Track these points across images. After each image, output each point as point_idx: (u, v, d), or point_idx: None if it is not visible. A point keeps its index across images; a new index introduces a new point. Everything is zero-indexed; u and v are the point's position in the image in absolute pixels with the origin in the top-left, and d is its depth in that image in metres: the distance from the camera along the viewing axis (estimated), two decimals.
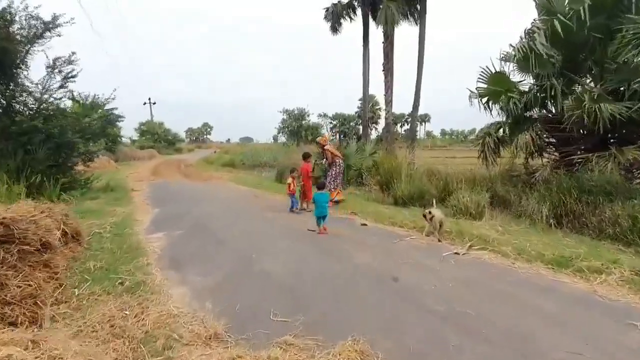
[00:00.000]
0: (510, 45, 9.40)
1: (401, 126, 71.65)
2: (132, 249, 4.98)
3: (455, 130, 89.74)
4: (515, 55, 9.11)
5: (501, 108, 9.59)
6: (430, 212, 5.42)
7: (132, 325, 2.81)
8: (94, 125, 12.61)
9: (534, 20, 8.94)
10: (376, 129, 44.17)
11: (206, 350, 2.54)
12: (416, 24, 17.11)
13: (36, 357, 2.04)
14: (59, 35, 9.27)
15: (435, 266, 4.28)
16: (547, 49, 8.13)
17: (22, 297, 2.91)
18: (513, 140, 9.19)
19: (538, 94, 8.76)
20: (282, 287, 3.71)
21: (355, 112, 45.76)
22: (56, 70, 9.83)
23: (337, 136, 43.56)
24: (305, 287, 3.68)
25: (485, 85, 9.72)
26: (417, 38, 16.52)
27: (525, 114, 9.25)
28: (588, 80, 9.00)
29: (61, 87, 10.06)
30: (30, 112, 9.65)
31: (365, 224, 6.63)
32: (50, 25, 9.04)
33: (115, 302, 3.24)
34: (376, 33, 18.18)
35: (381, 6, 15.84)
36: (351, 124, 45.44)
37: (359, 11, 18.61)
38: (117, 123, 27.36)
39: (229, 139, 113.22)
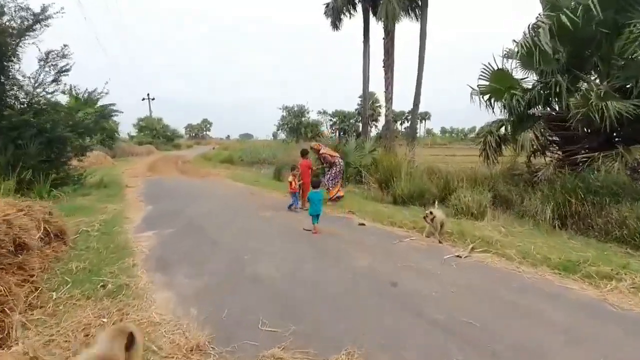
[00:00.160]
0: (514, 41, 9.16)
1: (401, 124, 71.26)
2: (119, 249, 4.76)
3: (456, 128, 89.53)
4: (518, 52, 8.86)
5: (503, 106, 9.37)
6: (431, 213, 5.20)
7: None
8: (88, 120, 12.41)
9: (539, 15, 8.68)
10: (376, 126, 43.91)
11: None
12: (417, 19, 16.84)
13: None
14: (48, 26, 8.99)
15: (436, 270, 4.06)
16: (552, 44, 7.88)
17: None
18: (515, 139, 8.99)
19: (542, 91, 8.53)
20: (273, 292, 3.49)
21: (355, 110, 45.41)
22: (49, 64, 9.61)
23: (337, 133, 43.27)
24: (298, 293, 3.45)
25: (487, 83, 9.50)
26: (417, 35, 16.26)
27: (529, 111, 9.03)
28: (593, 77, 8.78)
29: (54, 81, 9.84)
30: (22, 106, 9.40)
31: (363, 224, 6.41)
32: (41, 17, 8.79)
33: (93, 308, 3.03)
34: (376, 30, 17.97)
35: (381, 1, 15.56)
36: (351, 121, 45.10)
37: (359, 7, 18.33)
38: (115, 119, 27.37)
39: (228, 136, 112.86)
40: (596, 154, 7.27)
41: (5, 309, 2.70)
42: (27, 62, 9.55)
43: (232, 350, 2.49)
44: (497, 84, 9.30)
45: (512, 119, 9.33)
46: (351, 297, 3.38)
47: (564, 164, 8.17)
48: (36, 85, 9.55)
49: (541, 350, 2.52)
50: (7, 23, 8.75)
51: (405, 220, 6.34)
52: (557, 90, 7.99)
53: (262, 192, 10.42)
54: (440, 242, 5.13)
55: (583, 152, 8.55)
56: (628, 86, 7.64)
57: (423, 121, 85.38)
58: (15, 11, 8.75)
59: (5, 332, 2.57)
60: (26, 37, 9.13)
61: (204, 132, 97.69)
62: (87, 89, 19.80)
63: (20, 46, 9.13)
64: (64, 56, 9.76)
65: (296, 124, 38.79)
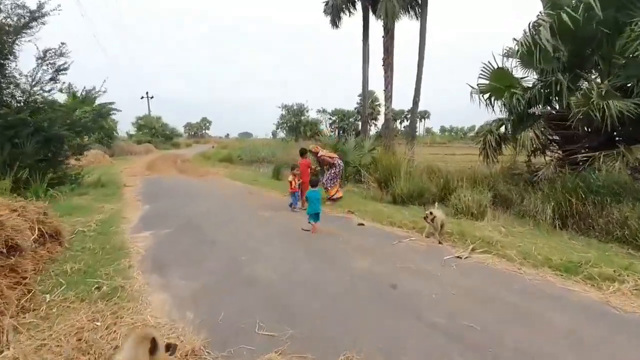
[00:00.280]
0: (514, 39, 9.11)
1: (400, 122, 71.13)
2: (115, 250, 4.69)
3: (455, 127, 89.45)
4: (518, 50, 8.82)
5: (503, 104, 9.33)
6: (431, 213, 5.14)
7: (102, 338, 2.55)
8: (85, 119, 12.32)
9: (540, 13, 8.62)
10: (375, 125, 43.80)
11: None
12: (417, 17, 16.77)
13: None
14: (44, 24, 8.91)
15: (436, 271, 4.00)
16: (553, 43, 7.82)
17: None
18: (515, 138, 8.95)
19: (542, 90, 8.47)
20: (271, 294, 3.43)
21: (355, 108, 45.32)
22: (47, 62, 9.53)
23: (336, 132, 43.18)
24: (296, 296, 3.39)
25: (487, 82, 9.46)
26: (416, 34, 16.20)
27: (529, 110, 8.98)
28: (594, 76, 8.73)
29: (52, 79, 9.76)
30: (19, 104, 9.32)
31: (362, 224, 6.35)
32: (37, 14, 8.70)
33: (87, 311, 2.97)
34: (376, 29, 17.90)
35: None
36: (350, 119, 45.03)
37: (358, 5, 18.25)
38: (113, 117, 27.25)
39: (227, 134, 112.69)
40: (597, 153, 7.22)
41: None
42: (25, 60, 9.44)
43: (228, 355, 2.43)
44: (497, 83, 9.25)
45: (512, 118, 9.28)
46: (350, 299, 3.32)
47: (564, 164, 8.12)
48: (33, 83, 9.47)
49: (543, 355, 2.47)
50: (4, 20, 8.67)
51: (404, 220, 6.29)
52: (558, 89, 7.94)
53: (261, 191, 10.36)
54: (440, 242, 5.08)
55: (583, 151, 8.52)
56: (629, 85, 7.60)
57: (422, 120, 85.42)
58: (11, 8, 8.67)
59: None
60: (23, 35, 9.05)
61: (203, 131, 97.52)
62: (84, 87, 19.71)
63: (17, 44, 9.05)
64: (62, 54, 9.68)
65: (295, 122, 38.73)
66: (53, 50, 9.55)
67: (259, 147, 25.28)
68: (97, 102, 21.00)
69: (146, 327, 2.04)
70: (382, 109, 22.04)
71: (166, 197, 9.26)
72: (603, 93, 7.06)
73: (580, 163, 8.06)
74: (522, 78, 9.42)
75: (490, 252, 4.58)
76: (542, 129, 8.39)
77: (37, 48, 9.39)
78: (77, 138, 10.86)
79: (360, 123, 38.28)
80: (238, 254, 4.63)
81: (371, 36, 18.04)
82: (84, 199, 8.37)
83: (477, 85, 9.55)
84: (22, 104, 9.33)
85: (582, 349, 2.56)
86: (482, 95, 9.60)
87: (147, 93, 45.69)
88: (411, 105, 17.54)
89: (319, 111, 42.81)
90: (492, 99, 9.59)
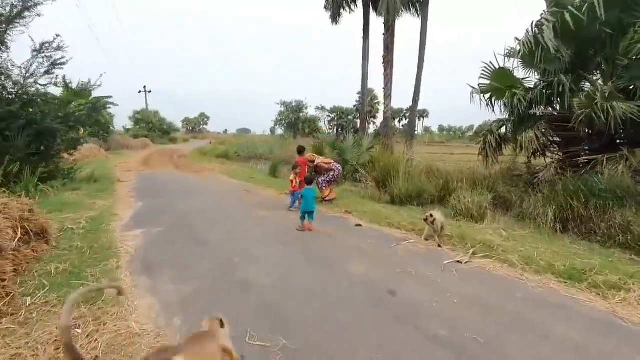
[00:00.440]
0: (516, 39, 8.98)
1: (399, 121, 70.99)
2: (103, 249, 4.52)
3: (454, 126, 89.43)
4: (520, 51, 8.70)
5: (504, 105, 9.21)
6: (431, 215, 5.00)
7: (82, 347, 2.39)
8: (81, 112, 12.10)
9: (543, 12, 8.48)
10: (374, 123, 43.60)
11: None
12: (418, 14, 16.61)
13: None
14: (38, 15, 8.68)
15: (436, 277, 3.86)
16: (556, 43, 7.68)
17: None
18: (516, 139, 8.83)
19: (544, 90, 8.34)
20: (263, 301, 3.27)
21: (354, 106, 45.12)
22: (42, 55, 9.31)
23: (335, 129, 43.00)
24: (290, 302, 3.24)
25: (488, 82, 9.33)
26: (416, 33, 16.06)
27: (530, 111, 8.85)
28: (596, 78, 8.61)
29: (47, 72, 9.54)
30: (10, 96, 9.10)
31: (360, 225, 6.21)
32: (30, 3, 8.47)
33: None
34: (376, 27, 17.74)
35: None
36: (349, 117, 44.84)
37: (359, 2, 18.05)
38: (110, 111, 26.98)
39: (226, 130, 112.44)
40: (600, 156, 7.10)
41: None
42: (21, 52, 9.24)
43: None
44: (499, 83, 9.13)
45: (512, 118, 9.16)
46: (346, 306, 3.17)
47: (564, 166, 8.01)
48: (27, 75, 9.25)
49: None
50: None
51: (403, 221, 6.14)
52: (560, 90, 7.82)
53: (257, 189, 10.19)
54: (439, 245, 4.94)
55: (583, 154, 8.41)
56: (631, 87, 7.49)
57: (421, 119, 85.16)
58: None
59: None
60: (15, 25, 8.84)
61: (201, 126, 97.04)
62: (80, 80, 19.49)
63: (9, 34, 8.83)
64: (59, 48, 9.46)
65: (294, 119, 38.54)
66: (49, 43, 9.34)
67: (257, 144, 25.11)
68: (94, 95, 20.84)
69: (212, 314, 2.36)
70: (381, 107, 21.89)
71: (160, 194, 9.08)
72: (607, 95, 6.94)
73: (581, 165, 7.96)
74: (523, 78, 9.30)
75: (492, 257, 4.44)
76: (543, 130, 8.26)
77: (33, 40, 9.21)
78: (71, 132, 10.65)
79: (358, 121, 38.08)
80: (231, 255, 4.47)
81: (371, 34, 17.90)
82: (75, 195, 8.18)
83: (478, 85, 9.42)
84: (13, 96, 9.11)
85: None
86: (483, 96, 9.48)
87: (144, 87, 45.36)
88: (410, 104, 17.42)
89: (317, 108, 42.63)
90: (493, 99, 9.47)
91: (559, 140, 9.08)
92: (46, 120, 9.09)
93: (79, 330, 2.59)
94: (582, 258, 4.39)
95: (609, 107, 6.67)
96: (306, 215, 5.88)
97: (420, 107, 17.61)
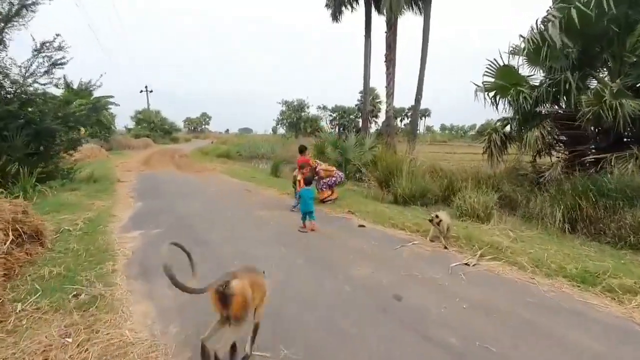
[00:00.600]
0: (520, 36, 8.82)
1: (401, 120, 70.72)
2: (99, 251, 4.40)
3: (455, 125, 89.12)
4: (525, 48, 8.54)
5: (509, 103, 9.05)
6: (437, 216, 4.85)
7: (71, 358, 2.26)
8: (81, 112, 12.01)
9: (550, 8, 8.31)
10: (376, 122, 43.38)
11: None
12: (420, 12, 16.45)
13: None
14: (34, 12, 8.59)
15: (443, 281, 3.71)
16: (563, 39, 7.52)
17: None
18: (521, 137, 8.68)
19: (550, 88, 8.18)
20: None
21: (355, 105, 44.92)
22: (42, 55, 9.21)
23: (336, 129, 42.83)
24: (291, 308, 3.09)
25: (493, 79, 9.19)
26: (418, 31, 15.93)
27: (535, 109, 8.69)
28: (602, 75, 8.45)
29: (47, 72, 9.44)
30: (8, 96, 9.00)
31: (363, 226, 6.06)
32: (27, 2, 8.36)
33: (60, 323, 2.69)
34: (378, 26, 17.61)
35: None
36: (350, 116, 44.64)
37: (361, 0, 17.91)
38: (112, 111, 26.95)
39: (227, 130, 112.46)
40: (608, 155, 6.95)
41: None
42: (24, 53, 9.17)
43: None
44: (503, 81, 8.98)
45: (517, 117, 9.00)
46: (350, 313, 3.03)
47: (570, 165, 7.86)
48: (27, 75, 9.15)
49: None
50: None
51: (407, 222, 6.00)
52: (567, 87, 7.66)
53: (258, 189, 10.05)
54: (445, 247, 4.79)
55: (589, 153, 8.25)
56: (638, 85, 7.34)
57: (423, 118, 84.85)
58: None
59: None
60: (14, 24, 8.74)
61: (203, 126, 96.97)
62: (81, 80, 19.43)
63: (7, 32, 8.73)
64: (59, 48, 9.36)
65: (296, 119, 38.42)
66: (50, 43, 9.24)
67: (259, 143, 25.02)
68: (95, 95, 20.78)
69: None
70: (383, 106, 21.71)
71: (160, 194, 8.97)
72: (615, 92, 6.78)
73: (587, 164, 7.80)
74: (528, 76, 9.14)
75: (500, 259, 4.29)
76: (549, 129, 8.10)
77: (34, 39, 9.12)
78: (70, 132, 10.54)
79: (360, 120, 37.91)
80: (231, 257, 4.33)
81: (373, 33, 17.76)
82: (74, 195, 8.07)
83: (482, 83, 9.27)
84: (12, 95, 9.01)
85: None
86: (487, 94, 9.32)
87: (146, 87, 45.14)
88: (413, 103, 17.26)
89: (319, 108, 42.44)
90: (497, 98, 9.31)
91: (564, 139, 8.93)
92: (45, 120, 8.99)
93: (69, 340, 2.45)
94: (594, 260, 4.24)
95: (618, 105, 6.51)
96: (307, 216, 5.76)
97: (421, 106, 17.42)
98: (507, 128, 9.63)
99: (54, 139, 9.68)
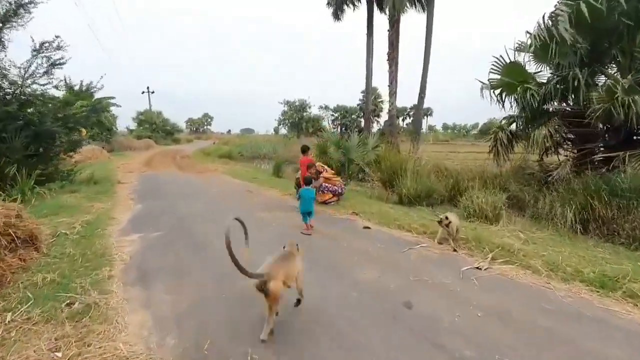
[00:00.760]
0: (527, 32, 8.64)
1: (403, 120, 70.35)
2: (96, 256, 4.25)
3: (458, 124, 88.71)
4: (531, 45, 8.36)
5: (515, 100, 8.85)
6: (447, 218, 4.67)
7: None
8: (83, 112, 11.91)
9: (558, 2, 8.11)
10: (378, 122, 43.12)
11: None
12: (424, 9, 16.26)
13: None
14: (30, 12, 8.48)
15: (455, 286, 3.53)
16: (572, 35, 7.32)
17: None
18: (528, 135, 8.49)
19: (558, 85, 7.98)
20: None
21: (357, 105, 44.65)
22: (42, 55, 9.10)
23: (338, 128, 42.60)
24: (295, 317, 2.91)
25: (499, 77, 8.99)
26: (420, 29, 15.74)
27: (543, 107, 8.50)
28: (611, 71, 8.24)
29: (46, 72, 9.32)
30: (7, 96, 8.88)
31: (368, 227, 5.89)
32: (24, 1, 8.23)
33: (51, 335, 2.53)
34: (379, 24, 17.41)
35: None
36: (352, 116, 44.38)
37: None
38: (114, 112, 26.89)
39: (229, 130, 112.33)
40: (621, 153, 6.75)
41: None
42: (23, 54, 9.06)
43: None
44: (510, 78, 8.79)
45: (524, 114, 8.81)
46: (358, 322, 2.85)
47: (579, 163, 7.68)
48: (26, 76, 9.03)
49: None
50: None
51: (413, 223, 5.81)
52: (575, 84, 7.46)
53: (260, 189, 9.88)
54: (455, 250, 4.62)
55: (597, 151, 8.07)
56: None
57: (425, 117, 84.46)
58: None
59: None
60: (12, 24, 8.62)
61: (205, 127, 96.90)
62: (82, 81, 19.37)
63: (5, 33, 8.61)
64: (59, 48, 9.25)
65: (297, 119, 38.21)
66: (49, 43, 9.12)
67: (260, 144, 24.87)
68: (96, 96, 20.71)
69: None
70: (385, 106, 21.54)
71: (161, 195, 8.82)
72: (627, 88, 6.58)
73: (596, 163, 7.61)
74: (535, 73, 8.94)
75: (513, 263, 4.11)
76: (557, 127, 7.91)
77: (33, 40, 9.01)
78: (70, 133, 10.42)
79: (362, 120, 37.67)
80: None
81: (374, 32, 17.58)
82: (73, 197, 7.93)
83: (488, 80, 9.09)
84: (10, 96, 8.89)
85: None
86: (493, 91, 9.13)
87: (147, 88, 45.11)
88: (414, 102, 17.10)
89: (321, 107, 42.15)
90: (504, 95, 9.11)
91: (572, 137, 8.74)
92: (45, 122, 8.89)
93: (59, 354, 2.30)
94: (611, 263, 4.05)
95: (631, 101, 6.32)
96: (307, 216, 5.61)
97: (423, 105, 17.21)
98: (513, 126, 9.44)
99: (53, 140, 9.58)
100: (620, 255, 4.63)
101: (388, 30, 16.30)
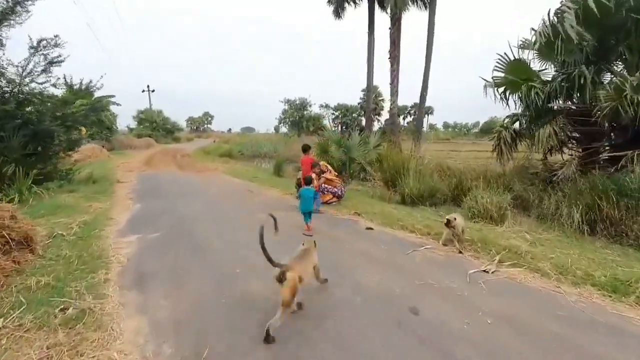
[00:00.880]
0: (532, 29, 8.48)
1: (404, 118, 70.17)
2: (93, 258, 4.14)
3: (459, 123, 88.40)
4: (536, 42, 8.19)
5: (519, 99, 8.72)
6: (455, 219, 4.55)
7: None
8: (82, 111, 11.79)
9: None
10: (379, 120, 42.96)
11: None
12: (425, 7, 16.09)
13: None
14: (28, 11, 8.36)
15: (462, 290, 3.42)
16: (578, 32, 7.19)
17: None
18: (532, 134, 8.36)
19: (563, 83, 7.84)
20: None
21: (358, 103, 44.50)
22: (40, 53, 8.99)
23: (339, 127, 42.45)
24: (298, 323, 2.81)
25: (503, 74, 8.84)
26: (421, 28, 15.57)
27: (547, 105, 8.36)
28: (618, 69, 8.10)
29: (44, 71, 9.21)
30: (5, 95, 8.77)
31: (371, 228, 5.77)
32: None
33: (43, 343, 2.43)
34: (381, 23, 17.27)
35: None
36: (353, 115, 44.22)
37: None
38: (114, 111, 26.77)
39: (230, 129, 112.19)
40: (629, 152, 6.62)
41: None
42: (22, 54, 8.97)
43: None
44: (514, 76, 8.64)
45: (528, 113, 8.67)
46: (362, 329, 2.74)
47: (584, 162, 7.55)
48: (24, 74, 8.93)
49: None
50: None
51: (417, 224, 5.70)
52: (581, 82, 7.33)
53: (261, 189, 9.77)
54: (460, 252, 4.50)
55: (602, 150, 7.94)
56: None
57: (426, 116, 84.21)
58: None
59: None
60: (9, 21, 8.51)
61: (205, 125, 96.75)
62: (81, 80, 19.23)
63: (2, 30, 8.50)
64: (56, 45, 9.14)
65: (298, 117, 38.07)
66: (47, 41, 9.01)
67: (261, 142, 24.75)
68: (96, 95, 20.57)
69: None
70: (386, 104, 21.40)
71: (160, 195, 8.71)
72: (635, 86, 6.46)
73: (602, 162, 7.48)
74: (540, 71, 8.80)
75: (521, 266, 3.99)
76: (562, 125, 7.78)
77: (30, 38, 8.90)
78: (69, 132, 10.30)
79: (363, 118, 37.50)
80: (232, 265, 4.06)
81: (376, 31, 17.43)
82: (72, 197, 7.81)
83: (492, 78, 8.94)
84: (8, 94, 8.78)
85: None
86: (497, 89, 8.99)
87: (148, 86, 44.97)
88: (415, 101, 16.97)
89: (321, 106, 41.99)
90: (507, 93, 8.98)
91: (577, 135, 8.60)
92: (43, 121, 8.78)
93: None
94: (622, 266, 3.94)
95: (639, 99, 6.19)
96: (308, 216, 5.51)
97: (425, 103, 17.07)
98: (517, 125, 9.31)
99: (52, 139, 9.46)
100: (630, 257, 4.51)
101: (389, 29, 16.15)
